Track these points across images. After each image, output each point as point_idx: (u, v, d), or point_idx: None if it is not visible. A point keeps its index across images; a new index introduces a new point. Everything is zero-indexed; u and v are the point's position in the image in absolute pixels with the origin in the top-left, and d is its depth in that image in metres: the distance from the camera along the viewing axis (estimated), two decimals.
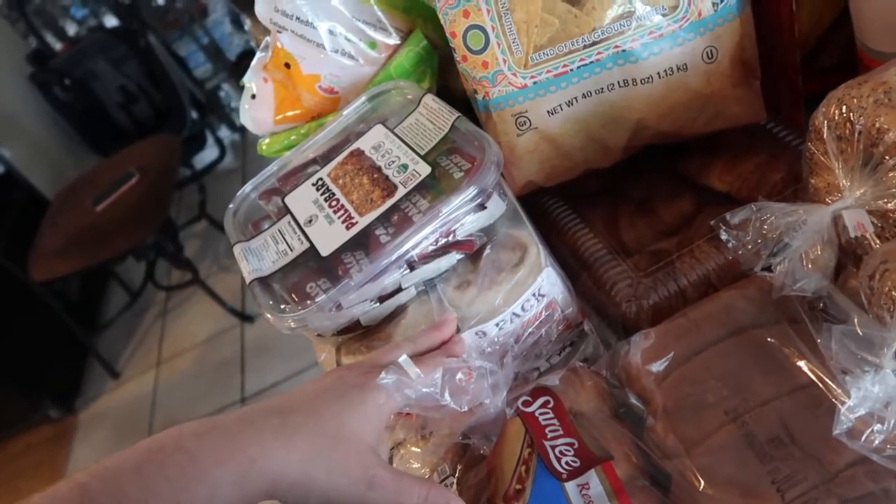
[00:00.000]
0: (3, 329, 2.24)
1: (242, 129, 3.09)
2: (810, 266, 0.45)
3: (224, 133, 3.15)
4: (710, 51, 0.57)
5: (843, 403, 0.38)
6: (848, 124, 0.44)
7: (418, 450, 0.53)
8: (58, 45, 2.91)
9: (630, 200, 0.68)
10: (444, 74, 0.72)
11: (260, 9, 0.68)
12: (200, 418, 0.38)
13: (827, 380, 0.42)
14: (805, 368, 0.43)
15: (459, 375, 0.44)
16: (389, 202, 0.51)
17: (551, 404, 0.49)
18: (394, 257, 0.48)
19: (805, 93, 0.59)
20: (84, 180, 2.37)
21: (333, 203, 0.54)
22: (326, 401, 0.39)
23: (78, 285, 2.57)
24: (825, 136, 0.46)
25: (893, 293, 0.38)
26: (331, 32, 0.67)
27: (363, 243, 0.50)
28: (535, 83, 0.57)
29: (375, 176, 0.54)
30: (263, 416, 0.38)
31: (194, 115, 2.86)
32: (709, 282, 0.56)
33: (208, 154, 3.02)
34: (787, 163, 0.59)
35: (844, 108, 0.44)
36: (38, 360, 2.35)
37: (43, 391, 2.32)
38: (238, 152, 3.12)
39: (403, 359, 0.43)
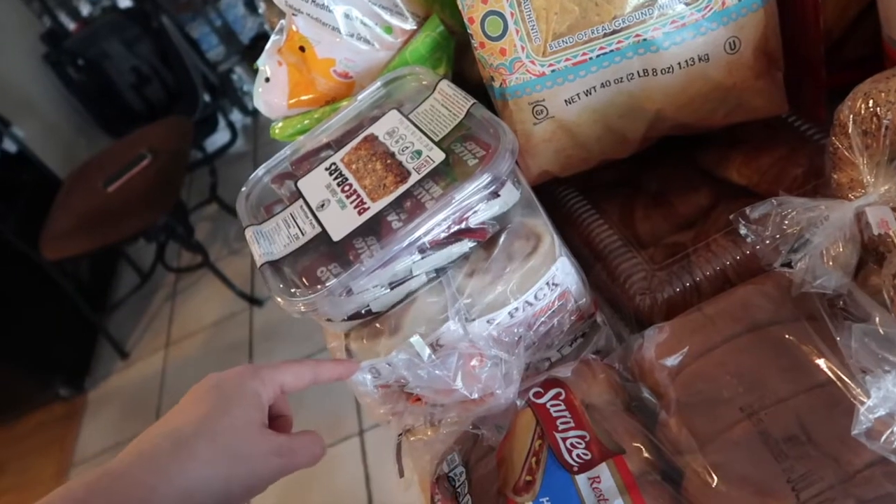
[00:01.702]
0: (15, 308, 2.26)
1: (254, 113, 3.09)
2: (831, 263, 0.44)
3: (236, 116, 3.15)
4: (733, 41, 0.55)
5: (862, 403, 0.38)
6: (874, 119, 0.43)
7: (426, 438, 0.53)
8: (71, 26, 2.91)
9: (646, 192, 0.67)
10: (459, 61, 0.71)
11: None
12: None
13: (846, 378, 0.41)
14: (823, 366, 0.43)
15: (473, 362, 0.44)
16: (402, 188, 0.50)
17: (563, 396, 0.48)
18: (405, 243, 0.47)
19: (828, 86, 0.58)
20: (96, 161, 2.37)
21: (346, 188, 0.53)
22: (210, 405, 0.41)
23: (89, 266, 2.58)
24: (850, 130, 0.45)
25: None
26: (346, 16, 0.67)
27: (375, 229, 0.49)
28: (553, 71, 0.57)
29: (389, 161, 0.53)
30: (155, 443, 0.39)
31: (206, 97, 2.86)
32: (725, 276, 0.55)
33: (220, 137, 3.02)
34: (808, 157, 0.58)
35: (871, 102, 0.43)
36: (49, 339, 2.37)
37: (53, 370, 2.34)
38: (249, 136, 3.12)
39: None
